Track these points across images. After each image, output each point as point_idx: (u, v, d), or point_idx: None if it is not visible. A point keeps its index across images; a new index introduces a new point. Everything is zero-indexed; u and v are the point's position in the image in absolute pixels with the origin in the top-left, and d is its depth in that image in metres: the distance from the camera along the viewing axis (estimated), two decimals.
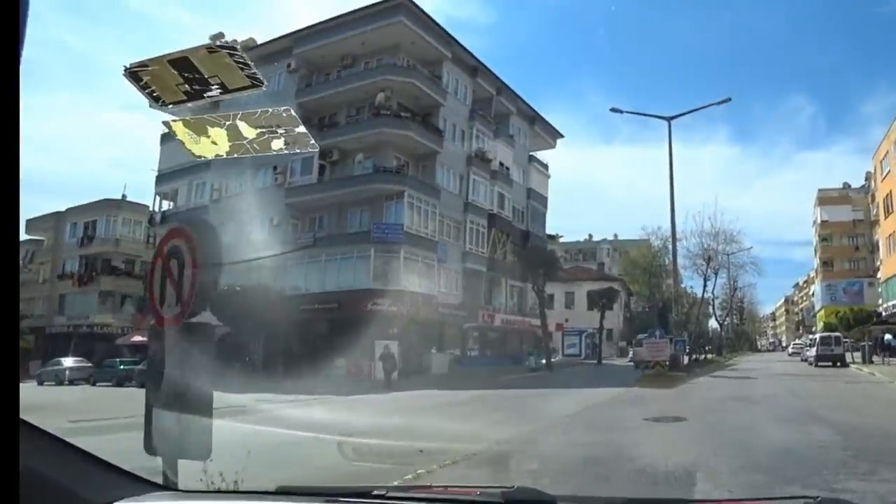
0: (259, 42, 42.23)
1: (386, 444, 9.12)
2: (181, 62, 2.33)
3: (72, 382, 37.93)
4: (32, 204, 73.60)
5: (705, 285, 45.66)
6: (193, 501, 2.47)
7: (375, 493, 2.32)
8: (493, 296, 45.51)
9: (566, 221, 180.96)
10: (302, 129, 2.73)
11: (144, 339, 44.30)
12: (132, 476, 2.30)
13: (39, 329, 54.09)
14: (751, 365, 43.49)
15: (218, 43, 2.38)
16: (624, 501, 2.78)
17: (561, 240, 75.84)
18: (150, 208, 50.01)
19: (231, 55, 2.33)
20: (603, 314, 49.99)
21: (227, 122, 2.67)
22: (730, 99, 37.78)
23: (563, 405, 16.55)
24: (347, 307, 34.79)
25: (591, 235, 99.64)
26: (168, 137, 47.13)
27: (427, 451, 7.61)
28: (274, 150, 2.80)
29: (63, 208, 59.07)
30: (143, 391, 3.54)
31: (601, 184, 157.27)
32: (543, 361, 39.96)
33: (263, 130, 2.69)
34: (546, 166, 53.79)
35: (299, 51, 40.68)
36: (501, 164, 45.70)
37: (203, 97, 2.47)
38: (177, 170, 45.07)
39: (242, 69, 2.38)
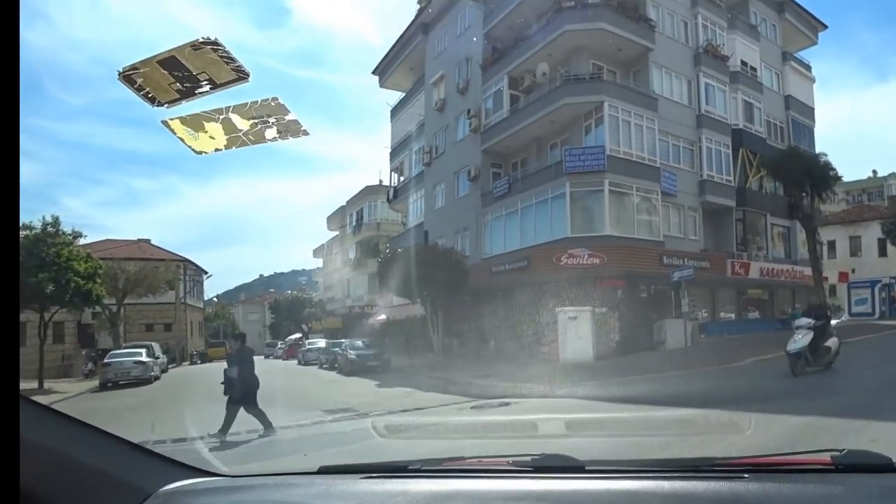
0: None
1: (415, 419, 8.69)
2: (169, 61, 1.92)
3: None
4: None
5: None
6: (237, 484, 1.99)
7: (411, 467, 1.98)
8: (749, 239, 28.07)
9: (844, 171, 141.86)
10: (292, 115, 2.15)
11: (383, 317, 36.13)
12: (177, 463, 1.96)
13: (330, 311, 55.30)
14: None
15: (200, 39, 1.90)
16: (654, 462, 1.85)
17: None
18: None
19: (215, 50, 1.92)
20: None
21: (222, 116, 2.16)
22: None
23: None
24: (535, 265, 21.94)
25: (875, 171, 71.60)
26: (396, 111, 39.93)
27: None
28: (268, 140, 2.19)
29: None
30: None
31: (882, 127, 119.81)
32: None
33: (256, 121, 2.16)
34: (809, 67, 34.52)
35: None
36: (744, 63, 28.63)
37: (195, 94, 2.03)
38: (400, 142, 38.43)
39: (227, 63, 1.96)
